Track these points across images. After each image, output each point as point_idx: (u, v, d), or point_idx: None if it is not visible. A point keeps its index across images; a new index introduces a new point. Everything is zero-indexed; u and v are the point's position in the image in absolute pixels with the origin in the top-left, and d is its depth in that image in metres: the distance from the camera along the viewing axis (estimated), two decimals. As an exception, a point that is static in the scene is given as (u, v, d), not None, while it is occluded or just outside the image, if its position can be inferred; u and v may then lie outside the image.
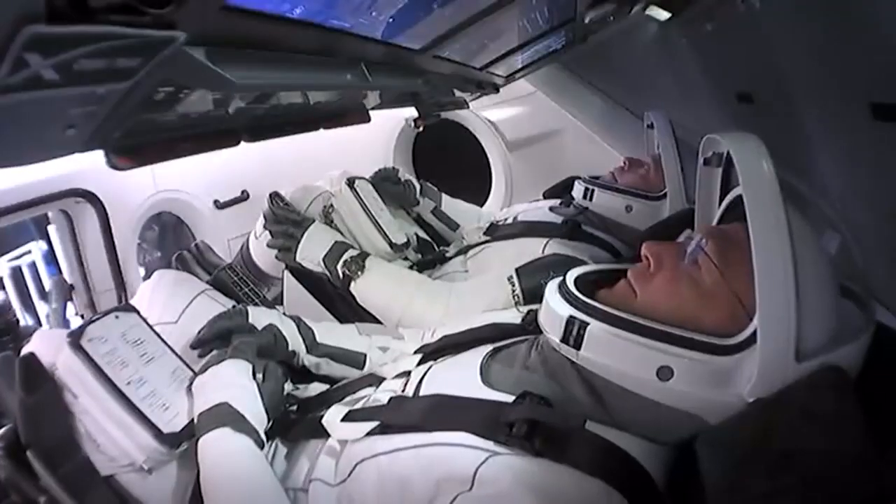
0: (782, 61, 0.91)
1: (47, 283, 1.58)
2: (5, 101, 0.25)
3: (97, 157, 0.46)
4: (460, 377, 0.66)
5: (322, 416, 0.69)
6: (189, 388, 0.72)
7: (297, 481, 0.67)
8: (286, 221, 1.11)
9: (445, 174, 1.69)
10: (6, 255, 1.70)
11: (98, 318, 0.72)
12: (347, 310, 1.11)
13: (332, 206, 1.20)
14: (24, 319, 1.63)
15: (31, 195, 1.17)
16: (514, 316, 0.81)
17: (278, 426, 0.73)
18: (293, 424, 0.73)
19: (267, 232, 1.14)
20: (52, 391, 0.68)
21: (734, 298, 0.55)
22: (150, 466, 0.68)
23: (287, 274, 1.15)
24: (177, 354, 0.77)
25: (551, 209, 1.36)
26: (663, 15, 1.41)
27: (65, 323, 1.38)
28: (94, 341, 0.69)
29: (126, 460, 0.68)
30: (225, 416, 0.64)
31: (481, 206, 1.91)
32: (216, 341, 0.78)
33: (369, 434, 0.62)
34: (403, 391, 0.70)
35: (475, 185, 2.21)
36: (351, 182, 1.21)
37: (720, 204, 0.71)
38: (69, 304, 1.38)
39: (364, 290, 1.07)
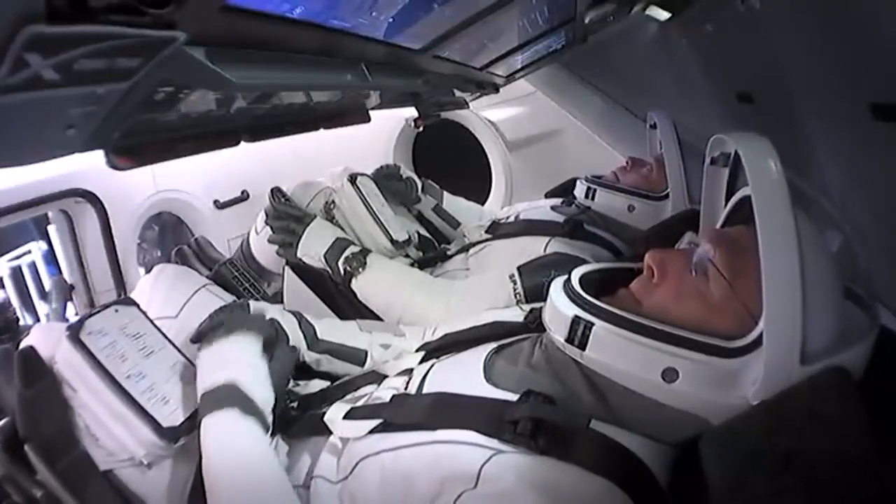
0: (782, 61, 0.91)
1: (47, 283, 1.58)
2: (5, 101, 0.25)
3: (97, 157, 0.46)
4: (464, 375, 0.66)
5: (323, 414, 0.69)
6: (189, 383, 0.72)
7: (298, 478, 0.67)
8: (287, 217, 1.11)
9: (445, 174, 1.69)
10: (6, 255, 1.70)
11: (98, 312, 0.72)
12: (348, 306, 1.11)
13: (333, 202, 1.20)
14: (25, 319, 1.63)
15: (31, 195, 1.17)
16: (516, 314, 0.81)
17: (279, 423, 0.73)
18: (294, 421, 0.73)
19: (268, 227, 1.14)
20: (51, 385, 0.67)
21: (742, 308, 0.54)
22: (150, 461, 0.67)
23: (288, 270, 1.15)
24: (177, 348, 0.76)
25: (553, 208, 1.36)
26: (663, 15, 1.41)
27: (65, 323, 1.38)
28: (94, 335, 0.68)
29: (125, 455, 0.67)
30: (233, 397, 0.63)
31: (481, 206, 1.91)
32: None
33: (372, 432, 0.62)
34: (406, 389, 0.70)
35: (475, 185, 2.21)
36: (353, 178, 1.21)
37: (726, 204, 0.70)
38: (69, 304, 1.37)
39: (365, 286, 1.07)
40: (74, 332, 0.67)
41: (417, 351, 0.80)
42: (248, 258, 1.28)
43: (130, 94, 0.34)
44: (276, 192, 1.18)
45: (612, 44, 1.65)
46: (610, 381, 0.57)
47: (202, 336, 0.76)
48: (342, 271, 1.06)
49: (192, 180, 1.64)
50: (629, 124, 1.96)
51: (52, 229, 1.37)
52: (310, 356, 0.84)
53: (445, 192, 1.58)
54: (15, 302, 1.65)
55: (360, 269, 1.06)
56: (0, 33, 0.22)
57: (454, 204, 1.58)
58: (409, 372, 0.74)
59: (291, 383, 0.87)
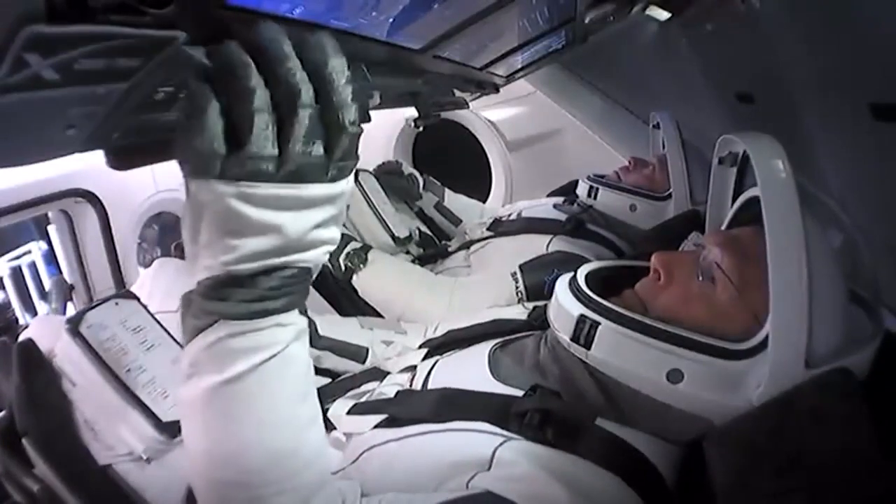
0: (782, 61, 0.91)
1: (47, 283, 1.58)
2: (5, 101, 0.25)
3: (97, 157, 0.46)
4: (469, 371, 0.66)
5: (326, 410, 0.69)
6: None
7: None
8: None
9: (445, 174, 1.69)
10: (6, 255, 1.70)
11: (98, 305, 0.71)
12: (349, 303, 1.11)
13: None
14: (25, 319, 1.63)
15: (31, 195, 1.17)
16: (519, 312, 0.81)
17: None
18: None
19: None
20: (50, 378, 0.67)
21: (749, 314, 0.54)
22: (149, 456, 0.67)
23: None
24: (178, 342, 0.75)
25: (555, 206, 1.36)
26: (663, 15, 1.41)
27: (65, 323, 1.38)
28: (94, 328, 0.68)
29: (124, 449, 0.66)
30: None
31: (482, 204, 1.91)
32: None
33: (377, 427, 0.62)
34: (411, 385, 0.70)
35: (475, 185, 2.21)
36: (355, 175, 1.21)
37: (732, 204, 0.70)
38: (69, 304, 1.37)
39: (366, 283, 1.07)
40: (74, 325, 0.66)
41: (420, 348, 0.80)
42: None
43: (130, 94, 0.34)
44: None
45: (612, 44, 1.65)
46: (616, 381, 0.57)
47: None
48: (343, 267, 1.06)
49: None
50: (629, 124, 1.96)
51: (52, 229, 1.37)
52: (310, 352, 0.84)
53: (447, 190, 1.58)
54: (15, 302, 1.65)
55: (362, 266, 1.06)
56: (0, 33, 0.22)
57: (455, 201, 1.58)
58: (413, 368, 0.74)
59: None
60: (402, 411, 0.63)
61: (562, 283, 0.64)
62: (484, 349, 0.70)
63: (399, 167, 1.49)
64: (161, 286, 0.90)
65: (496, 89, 1.54)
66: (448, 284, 1.08)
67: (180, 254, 1.30)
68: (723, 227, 0.72)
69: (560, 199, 1.42)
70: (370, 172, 1.28)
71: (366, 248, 1.10)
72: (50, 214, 1.34)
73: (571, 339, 0.58)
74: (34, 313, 1.67)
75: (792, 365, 0.49)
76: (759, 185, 0.51)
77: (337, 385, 0.81)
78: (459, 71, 1.07)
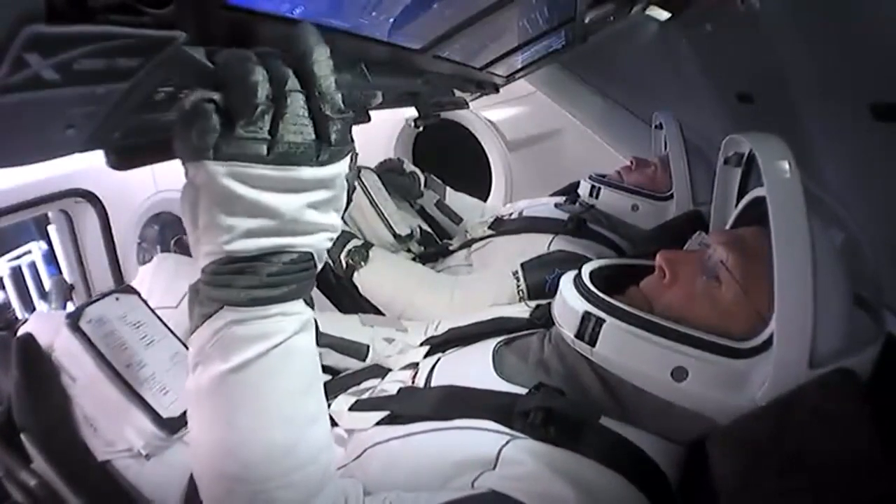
0: (782, 61, 0.91)
1: (47, 283, 1.58)
2: (5, 101, 0.25)
3: (97, 157, 0.46)
4: (473, 369, 0.66)
5: (328, 406, 0.69)
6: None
7: None
8: None
9: (445, 174, 1.69)
10: (6, 255, 1.70)
11: (98, 300, 0.71)
12: (349, 300, 1.11)
13: None
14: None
15: (31, 195, 1.17)
16: (521, 310, 0.81)
17: None
18: None
19: None
20: (49, 373, 0.66)
21: (754, 312, 0.55)
22: (148, 452, 0.66)
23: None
24: (178, 338, 0.75)
25: (556, 206, 1.36)
26: (663, 15, 1.41)
27: (65, 322, 1.38)
28: (94, 323, 0.67)
29: (124, 445, 0.66)
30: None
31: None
32: None
33: (379, 424, 0.62)
34: (413, 382, 0.70)
35: (475, 186, 2.21)
36: (357, 173, 1.21)
37: (737, 204, 0.70)
38: (69, 304, 1.37)
39: (367, 280, 1.07)
40: (74, 320, 0.66)
41: (422, 345, 0.80)
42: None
43: (130, 94, 0.34)
44: None
45: (612, 44, 1.65)
46: (620, 378, 0.57)
47: None
48: (344, 265, 1.06)
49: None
50: (629, 124, 1.96)
51: (52, 229, 1.37)
52: None
53: (448, 188, 1.58)
54: (15, 302, 1.65)
55: (363, 263, 1.06)
56: (0, 33, 0.22)
57: (456, 200, 1.58)
58: (415, 366, 0.74)
59: None
60: (405, 409, 0.63)
61: (566, 281, 0.64)
62: (487, 347, 0.70)
63: (400, 165, 1.49)
64: (161, 281, 0.90)
65: (496, 89, 1.55)
66: (449, 283, 1.08)
67: (180, 250, 1.31)
68: (727, 227, 0.72)
69: (561, 199, 1.42)
70: (371, 170, 1.28)
71: (367, 246, 1.10)
72: (50, 214, 1.34)
73: (576, 336, 0.58)
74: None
75: (796, 364, 0.49)
76: (765, 185, 0.51)
77: (338, 382, 0.81)
78: (459, 71, 1.07)
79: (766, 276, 0.51)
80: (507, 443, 0.53)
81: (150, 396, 0.66)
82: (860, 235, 0.59)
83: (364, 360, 0.87)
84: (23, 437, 0.63)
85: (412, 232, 1.26)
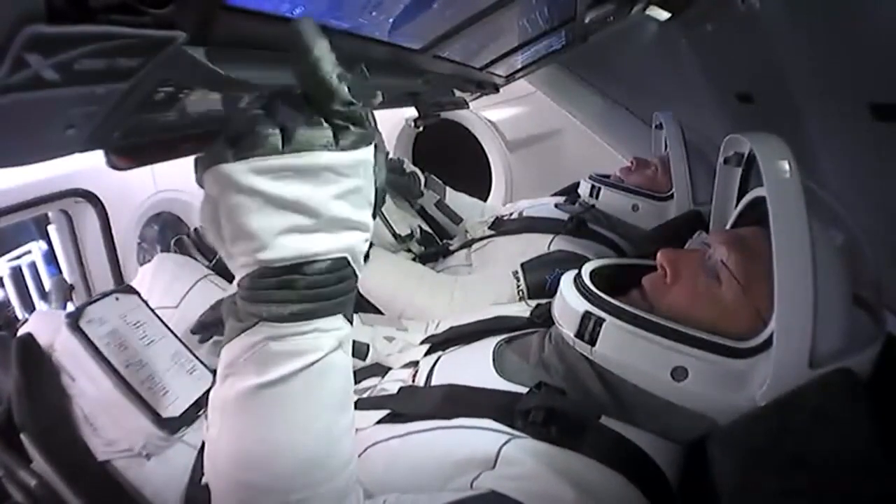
0: (782, 61, 0.91)
1: (47, 283, 1.58)
2: (5, 101, 0.25)
3: (97, 157, 0.46)
4: (473, 367, 0.66)
5: None
6: (190, 373, 0.71)
7: None
8: None
9: (445, 174, 1.69)
10: (6, 255, 1.70)
11: (98, 300, 0.71)
12: None
13: None
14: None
15: (31, 195, 1.17)
16: (521, 310, 0.81)
17: None
18: None
19: None
20: (49, 372, 0.66)
21: (754, 312, 0.55)
22: (149, 452, 0.66)
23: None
24: (178, 338, 0.75)
25: (557, 206, 1.36)
26: (663, 15, 1.41)
27: (65, 322, 1.38)
28: (94, 322, 0.67)
29: (124, 445, 0.66)
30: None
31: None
32: (219, 326, 0.77)
33: (380, 422, 0.62)
34: (413, 381, 0.69)
35: (475, 186, 2.21)
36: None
37: (737, 204, 0.70)
38: (69, 304, 1.37)
39: (368, 280, 1.07)
40: (74, 320, 0.66)
41: (422, 343, 0.80)
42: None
43: (130, 94, 0.34)
44: None
45: (612, 44, 1.65)
46: (620, 378, 0.57)
47: (204, 326, 0.75)
48: None
49: (192, 180, 1.63)
50: (629, 124, 1.96)
51: (52, 229, 1.37)
52: None
53: (448, 188, 1.58)
54: (15, 302, 1.65)
55: (363, 262, 1.06)
56: (0, 33, 0.22)
57: (456, 199, 1.58)
58: (415, 364, 0.74)
59: None
60: (406, 407, 0.63)
61: (566, 280, 0.64)
62: (488, 345, 0.69)
63: (400, 164, 1.49)
64: (161, 282, 0.90)
65: (496, 89, 1.54)
66: (449, 283, 1.08)
67: (180, 250, 1.31)
68: (727, 227, 0.72)
69: (562, 199, 1.42)
70: None
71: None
72: (50, 214, 1.35)
73: (576, 336, 0.58)
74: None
75: (796, 364, 0.49)
76: (765, 185, 0.51)
77: None
78: (459, 71, 1.07)
79: (767, 276, 0.51)
80: (508, 442, 0.53)
81: (150, 396, 0.66)
82: (860, 235, 0.59)
83: (364, 360, 0.87)
84: (23, 437, 0.63)
85: (412, 232, 1.26)
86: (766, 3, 0.87)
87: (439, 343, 0.78)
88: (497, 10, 0.74)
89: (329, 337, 0.41)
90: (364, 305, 1.09)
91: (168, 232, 1.71)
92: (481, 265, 1.22)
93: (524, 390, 0.59)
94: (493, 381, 0.62)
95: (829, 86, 0.83)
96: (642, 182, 1.35)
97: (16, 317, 1.29)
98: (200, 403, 0.70)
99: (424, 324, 0.94)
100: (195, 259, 1.23)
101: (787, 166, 0.51)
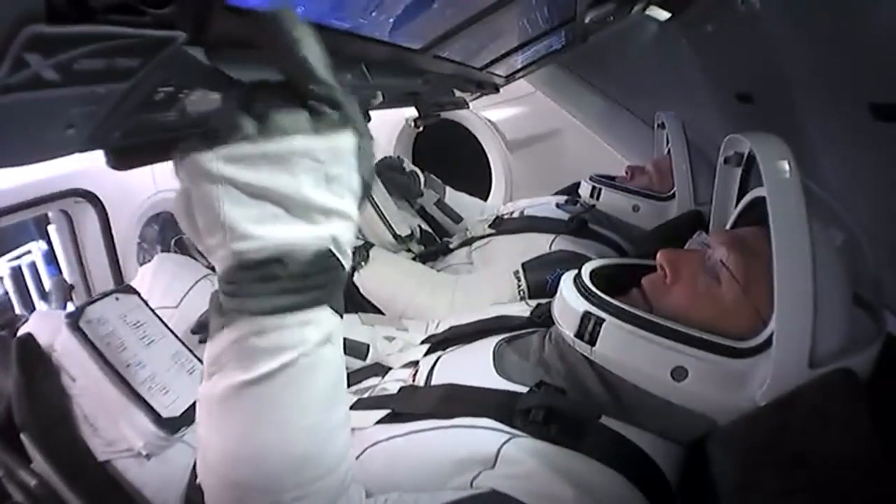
0: (782, 61, 0.91)
1: (47, 283, 1.58)
2: (5, 101, 0.25)
3: (97, 157, 0.46)
4: (473, 367, 0.66)
5: None
6: (190, 373, 0.71)
7: None
8: None
9: (445, 174, 1.69)
10: (6, 255, 1.70)
11: (98, 300, 0.71)
12: (349, 300, 1.11)
13: None
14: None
15: (31, 195, 1.17)
16: (522, 309, 0.81)
17: None
18: None
19: None
20: (49, 373, 0.66)
21: (754, 312, 0.55)
22: (149, 452, 0.66)
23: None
24: (178, 338, 0.75)
25: (557, 206, 1.36)
26: (663, 15, 1.41)
27: (65, 322, 1.38)
28: (94, 323, 0.67)
29: (124, 445, 0.66)
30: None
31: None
32: None
33: (380, 422, 0.62)
34: (413, 381, 0.69)
35: (475, 186, 2.21)
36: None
37: (737, 204, 0.70)
38: (69, 304, 1.37)
39: (368, 280, 1.07)
40: (74, 320, 0.66)
41: (422, 343, 0.80)
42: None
43: (130, 94, 0.34)
44: None
45: (612, 44, 1.65)
46: (620, 378, 0.57)
47: (204, 326, 0.75)
48: None
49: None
50: (629, 124, 1.96)
51: (52, 229, 1.37)
52: None
53: (447, 187, 1.58)
54: (15, 302, 1.65)
55: (363, 264, 1.06)
56: (0, 33, 0.22)
57: (456, 199, 1.58)
58: (415, 364, 0.74)
59: None
60: (406, 407, 0.63)
61: (566, 280, 0.64)
62: (488, 345, 0.69)
63: (400, 163, 1.49)
64: (161, 282, 0.89)
65: (496, 89, 1.55)
66: (450, 282, 1.09)
67: (180, 250, 1.31)
68: (727, 227, 0.72)
69: (562, 199, 1.42)
70: None
71: (367, 246, 1.10)
72: (50, 214, 1.34)
73: (576, 336, 0.58)
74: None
75: (796, 364, 0.49)
76: (764, 185, 0.51)
77: None
78: (459, 71, 1.07)
79: (766, 275, 0.51)
80: (508, 441, 0.53)
81: (150, 396, 0.66)
82: (860, 235, 0.59)
83: (364, 360, 0.87)
84: (23, 436, 0.63)
85: (412, 232, 1.26)
86: (766, 3, 0.87)
87: (439, 343, 0.78)
88: (497, 10, 0.74)
89: (315, 330, 0.38)
90: (364, 305, 1.09)
91: (168, 232, 1.71)
92: (482, 264, 1.22)
93: (524, 390, 0.59)
94: (493, 380, 0.62)
95: (829, 86, 0.83)
96: (643, 183, 1.35)
97: (16, 317, 1.29)
98: (200, 403, 0.70)
99: (425, 324, 0.94)
100: (195, 259, 1.23)
101: (786, 166, 0.51)
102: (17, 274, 1.69)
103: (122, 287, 0.76)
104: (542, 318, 0.75)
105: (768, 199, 0.51)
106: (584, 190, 1.38)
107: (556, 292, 0.65)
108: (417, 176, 1.49)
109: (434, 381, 0.66)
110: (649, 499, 0.50)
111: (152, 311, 0.75)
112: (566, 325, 0.60)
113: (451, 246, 1.33)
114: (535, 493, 0.48)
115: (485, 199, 2.23)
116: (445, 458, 0.54)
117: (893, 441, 0.45)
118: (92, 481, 0.65)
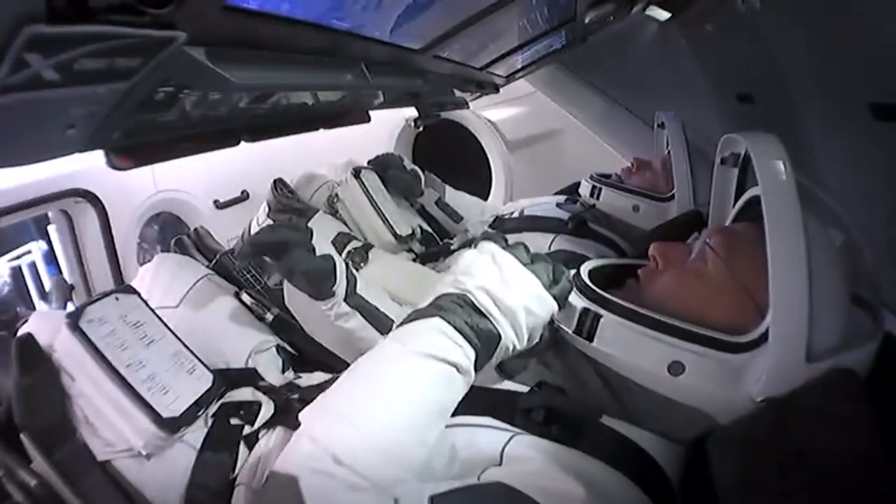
0: (782, 61, 0.91)
1: (47, 283, 1.58)
2: (5, 101, 0.25)
3: (97, 157, 0.46)
4: None
5: None
6: (190, 372, 0.71)
7: None
8: (290, 210, 1.11)
9: (446, 174, 1.69)
10: (6, 255, 1.70)
11: (98, 300, 0.70)
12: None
13: (337, 195, 1.20)
14: (25, 319, 1.63)
15: (31, 195, 1.17)
16: None
17: (281, 414, 0.73)
18: (297, 412, 0.73)
19: (270, 220, 1.14)
20: (49, 372, 0.66)
21: (741, 290, 0.55)
22: (149, 452, 0.66)
23: (289, 262, 1.14)
24: (178, 338, 0.75)
25: (558, 205, 1.36)
26: (663, 15, 1.41)
27: (65, 322, 1.38)
28: (94, 322, 0.67)
29: (124, 445, 0.66)
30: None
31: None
32: (270, 251, 0.77)
33: None
34: None
35: (475, 185, 2.21)
36: (357, 172, 1.21)
37: (734, 204, 0.71)
38: (69, 304, 1.37)
39: (370, 287, 1.07)
40: (74, 320, 0.66)
41: None
42: (249, 249, 1.28)
43: (130, 94, 0.34)
44: (279, 184, 1.17)
45: (612, 44, 1.65)
46: (620, 376, 0.58)
47: (257, 249, 0.76)
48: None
49: (192, 180, 1.64)
50: (629, 124, 1.96)
51: (52, 229, 1.37)
52: (340, 308, 0.82)
53: (448, 187, 1.58)
54: (15, 302, 1.65)
55: (363, 264, 1.06)
56: (0, 33, 0.22)
57: (456, 198, 1.58)
58: None
59: (292, 375, 0.87)
60: None
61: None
62: None
63: (400, 161, 1.49)
64: (161, 281, 0.89)
65: (496, 89, 1.54)
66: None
67: (180, 250, 1.30)
68: None
69: (563, 198, 1.42)
70: (372, 169, 1.28)
71: (367, 247, 1.10)
72: (50, 214, 1.34)
73: (574, 332, 0.59)
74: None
75: (793, 358, 0.49)
76: (759, 184, 0.51)
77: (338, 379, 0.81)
78: (459, 71, 1.07)
79: (753, 257, 0.52)
80: (510, 439, 0.53)
81: (150, 396, 0.66)
82: (857, 234, 0.59)
83: (385, 336, 0.86)
84: (23, 437, 0.63)
85: (413, 232, 1.26)
86: (766, 3, 0.87)
87: None
88: (497, 10, 0.74)
89: (463, 359, 0.51)
90: (364, 306, 1.08)
91: (168, 232, 1.71)
92: (482, 264, 1.22)
93: (524, 389, 0.60)
94: (494, 380, 0.62)
95: (829, 86, 0.83)
96: (643, 183, 1.35)
97: (16, 317, 1.29)
98: (200, 403, 0.70)
99: None
100: (195, 259, 1.23)
101: (781, 166, 0.51)
102: (17, 274, 1.69)
103: (122, 287, 0.76)
104: None
105: (763, 197, 0.51)
106: (585, 189, 1.38)
107: None
108: (418, 175, 1.49)
109: None
110: (651, 498, 0.50)
111: (152, 311, 0.75)
112: (565, 322, 0.60)
113: (453, 248, 1.33)
114: (547, 491, 0.48)
115: (485, 199, 2.23)
116: (446, 458, 0.54)
117: (893, 441, 0.45)
118: (92, 481, 0.64)
